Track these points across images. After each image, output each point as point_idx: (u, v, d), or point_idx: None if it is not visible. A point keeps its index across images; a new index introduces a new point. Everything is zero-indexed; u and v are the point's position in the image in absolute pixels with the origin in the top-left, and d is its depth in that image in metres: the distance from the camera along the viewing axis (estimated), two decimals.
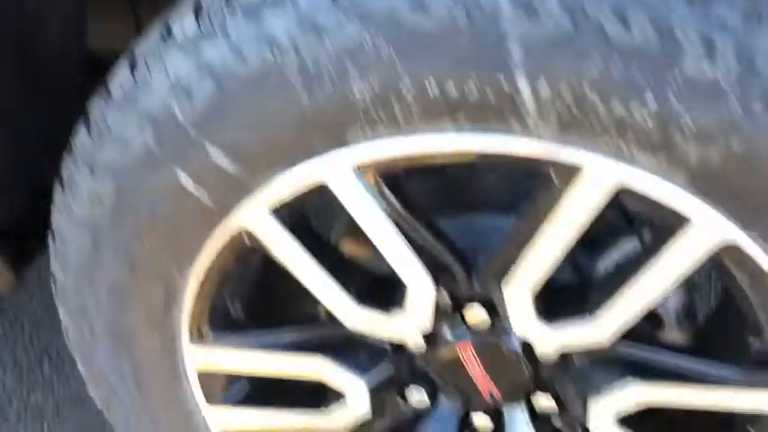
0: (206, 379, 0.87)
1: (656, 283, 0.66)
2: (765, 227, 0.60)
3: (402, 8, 0.56)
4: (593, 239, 0.78)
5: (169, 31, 0.65)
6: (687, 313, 0.83)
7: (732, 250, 0.62)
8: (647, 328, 0.84)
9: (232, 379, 0.91)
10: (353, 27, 0.57)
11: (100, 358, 0.87)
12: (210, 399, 0.89)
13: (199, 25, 0.62)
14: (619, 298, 0.68)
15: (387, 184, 0.68)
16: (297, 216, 0.74)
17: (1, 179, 0.85)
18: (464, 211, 0.83)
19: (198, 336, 0.83)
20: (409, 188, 0.78)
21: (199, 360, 0.85)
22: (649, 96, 0.55)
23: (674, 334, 0.83)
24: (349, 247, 0.84)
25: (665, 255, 0.64)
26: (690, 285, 0.84)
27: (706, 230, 0.61)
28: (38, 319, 1.49)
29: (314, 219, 0.80)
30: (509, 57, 0.55)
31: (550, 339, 0.73)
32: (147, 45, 0.67)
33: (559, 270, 0.75)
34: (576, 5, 0.54)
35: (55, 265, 0.81)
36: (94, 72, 0.77)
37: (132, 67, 0.66)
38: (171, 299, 0.79)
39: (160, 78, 0.63)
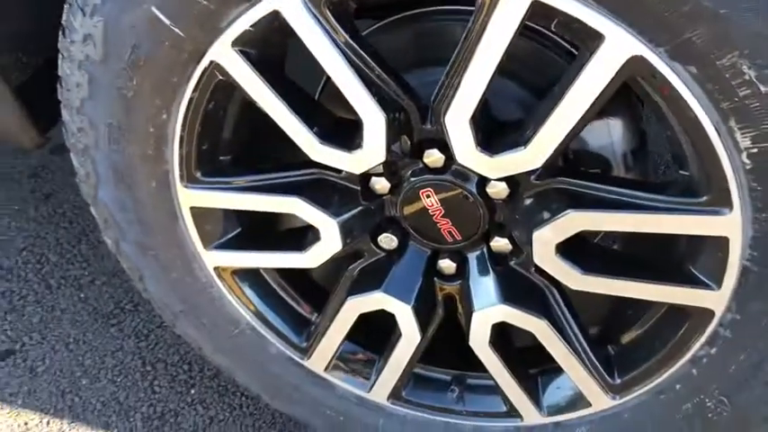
0: (199, 220, 0.97)
1: (575, 105, 0.71)
2: (670, 43, 0.65)
3: None
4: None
5: None
6: (634, 156, 0.88)
7: (641, 65, 0.66)
8: (596, 168, 0.89)
9: (225, 226, 1.01)
10: None
11: (105, 199, 0.98)
12: (205, 241, 1.00)
13: None
14: (546, 123, 0.74)
15: (337, 18, 0.75)
16: (266, 56, 0.82)
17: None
18: (424, 65, 0.90)
19: (189, 178, 0.93)
20: (378, 42, 0.85)
21: (191, 200, 0.95)
22: None
23: (622, 173, 0.89)
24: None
25: (583, 75, 0.69)
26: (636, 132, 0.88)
27: (617, 46, 0.66)
28: (78, 206, 1.64)
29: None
30: None
31: (491, 166, 0.79)
32: None
33: (503, 111, 0.82)
34: None
35: (63, 111, 0.92)
36: None
37: None
38: (161, 138, 0.89)
39: None
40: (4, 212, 1.68)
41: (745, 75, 0.64)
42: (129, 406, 1.28)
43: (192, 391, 1.29)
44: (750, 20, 0.61)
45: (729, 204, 0.72)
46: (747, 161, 0.69)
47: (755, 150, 0.68)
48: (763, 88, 0.64)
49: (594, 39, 0.67)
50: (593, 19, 0.66)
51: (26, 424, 1.26)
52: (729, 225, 0.74)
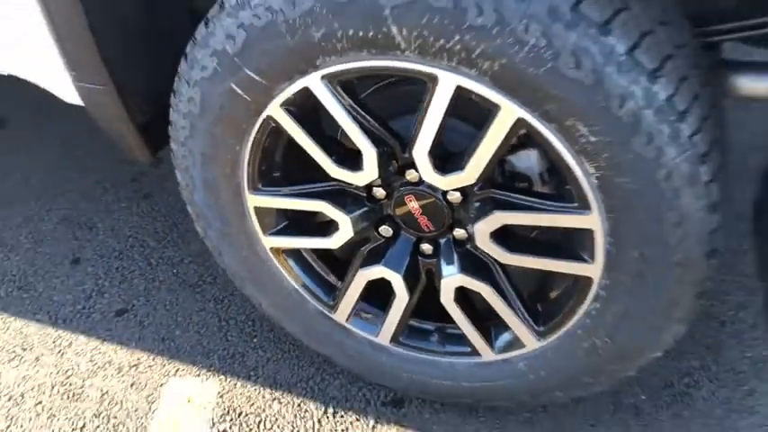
0: (260, 215, 1.44)
1: (489, 146, 1.14)
2: (538, 111, 1.07)
3: None
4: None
5: (222, 4, 1.19)
6: (546, 175, 1.30)
7: (524, 123, 1.09)
8: (519, 184, 1.32)
9: (277, 219, 1.47)
10: (309, 2, 1.09)
11: (198, 201, 1.46)
12: (264, 230, 1.46)
13: (237, 1, 1.16)
14: (474, 156, 1.16)
15: (344, 89, 1.20)
16: (303, 111, 1.27)
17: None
18: (403, 113, 1.33)
19: (253, 187, 1.39)
20: (369, 99, 1.29)
21: (255, 202, 1.41)
22: (458, 39, 1.03)
23: (538, 187, 1.31)
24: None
25: (491, 128, 1.12)
26: (547, 159, 1.30)
27: (509, 111, 1.09)
28: (170, 204, 2.15)
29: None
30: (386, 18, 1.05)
31: (444, 182, 1.22)
32: (213, 10, 1.21)
33: (452, 144, 1.24)
34: None
35: (172, 143, 1.40)
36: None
37: (206, 23, 1.21)
38: (235, 162, 1.35)
39: (219, 30, 1.18)
40: (114, 208, 2.20)
41: (580, 130, 1.05)
42: (210, 349, 1.76)
43: (255, 340, 1.77)
44: (579, 97, 1.03)
45: (590, 208, 1.14)
46: (595, 181, 1.10)
47: (598, 174, 1.09)
48: (592, 138, 1.05)
49: (495, 107, 1.10)
50: (493, 95, 1.08)
51: (138, 359, 1.76)
52: (592, 221, 1.15)
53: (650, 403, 1.58)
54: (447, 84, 1.09)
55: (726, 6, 1.21)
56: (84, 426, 1.61)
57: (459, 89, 1.09)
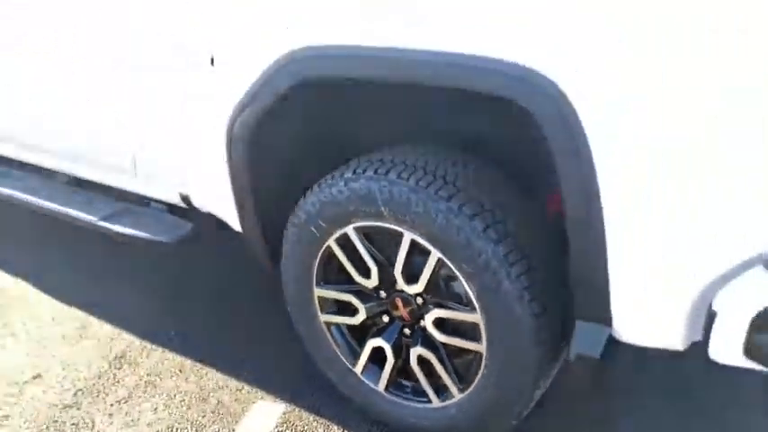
0: (322, 301, 2.56)
1: (426, 271, 2.21)
2: (450, 254, 2.13)
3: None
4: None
5: (310, 191, 2.41)
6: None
7: (443, 263, 2.15)
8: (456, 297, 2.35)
9: (328, 303, 2.58)
10: (346, 197, 2.27)
11: (288, 277, 2.61)
12: (321, 310, 2.57)
13: (318, 191, 2.37)
14: (421, 276, 2.23)
15: (363, 235, 2.34)
16: (345, 246, 2.41)
17: None
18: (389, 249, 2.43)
19: (319, 284, 2.53)
20: (373, 239, 2.42)
21: (318, 292, 2.54)
22: (409, 216, 2.15)
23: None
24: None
25: (426, 263, 2.19)
26: None
27: (434, 255, 2.16)
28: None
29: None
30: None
31: (411, 290, 2.28)
32: (306, 195, 2.43)
33: (414, 267, 2.32)
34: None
35: (284, 275, 2.59)
36: None
37: (304, 197, 2.43)
38: (309, 274, 2.50)
39: (308, 200, 2.40)
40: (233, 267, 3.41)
41: (465, 267, 2.10)
42: (273, 357, 2.84)
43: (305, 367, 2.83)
44: (463, 251, 2.09)
45: (475, 309, 2.14)
46: (474, 294, 2.12)
47: (475, 290, 2.11)
48: (470, 271, 2.09)
49: (429, 252, 2.17)
50: (428, 246, 2.16)
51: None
52: (477, 318, 2.15)
53: None
54: (407, 237, 2.20)
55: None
56: None
57: (412, 240, 2.19)
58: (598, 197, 1.77)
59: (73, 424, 2.68)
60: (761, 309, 1.68)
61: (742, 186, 1.62)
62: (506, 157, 2.28)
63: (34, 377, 2.95)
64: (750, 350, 1.75)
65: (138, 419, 2.70)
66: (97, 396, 2.83)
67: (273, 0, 2.17)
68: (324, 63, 2.10)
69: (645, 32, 1.62)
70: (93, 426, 2.68)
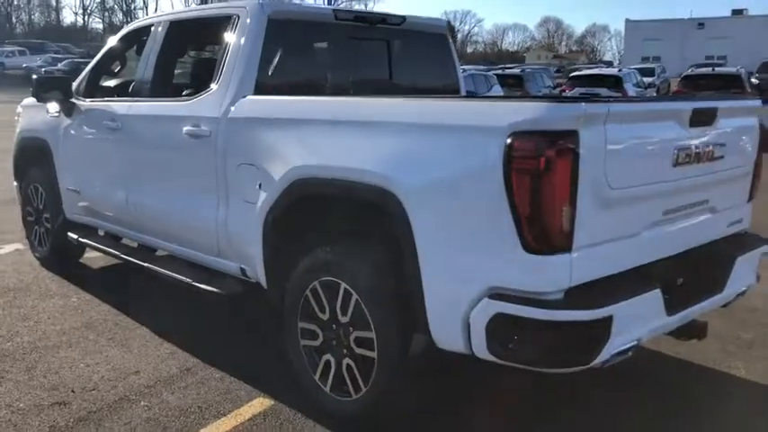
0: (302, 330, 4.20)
1: None
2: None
3: None
4: None
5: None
6: None
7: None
8: None
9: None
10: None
11: (286, 325, 4.29)
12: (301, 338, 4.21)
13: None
14: None
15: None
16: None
17: None
18: None
19: (301, 318, 4.19)
20: None
21: (300, 324, 4.20)
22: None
23: None
24: None
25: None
26: None
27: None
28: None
29: None
30: None
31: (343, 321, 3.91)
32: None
33: None
34: None
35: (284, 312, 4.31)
36: None
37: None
38: (296, 311, 4.19)
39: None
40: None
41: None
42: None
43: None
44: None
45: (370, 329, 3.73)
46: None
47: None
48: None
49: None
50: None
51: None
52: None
53: None
54: (342, 286, 3.86)
55: None
56: None
57: (345, 288, 3.86)
58: (415, 252, 3.37)
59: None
60: (487, 321, 3.18)
61: (472, 247, 3.20)
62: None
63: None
64: (490, 349, 3.22)
65: None
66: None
67: (285, 156, 4.07)
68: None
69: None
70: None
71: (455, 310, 3.29)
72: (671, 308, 3.48)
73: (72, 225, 6.50)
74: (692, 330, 3.90)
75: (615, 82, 21.49)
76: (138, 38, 5.95)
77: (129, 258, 5.63)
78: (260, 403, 4.29)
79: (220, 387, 4.50)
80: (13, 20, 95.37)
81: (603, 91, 21.18)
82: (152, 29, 5.63)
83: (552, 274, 3.07)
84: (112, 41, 6.26)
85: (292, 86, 4.66)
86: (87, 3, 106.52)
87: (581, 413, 4.19)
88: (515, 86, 21.93)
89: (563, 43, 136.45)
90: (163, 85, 5.37)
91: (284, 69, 4.77)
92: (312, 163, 3.91)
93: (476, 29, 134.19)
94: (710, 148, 3.68)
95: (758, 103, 4.32)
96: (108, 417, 4.10)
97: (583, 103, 2.99)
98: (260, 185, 4.25)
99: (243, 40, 4.60)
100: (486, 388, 4.46)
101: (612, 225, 3.23)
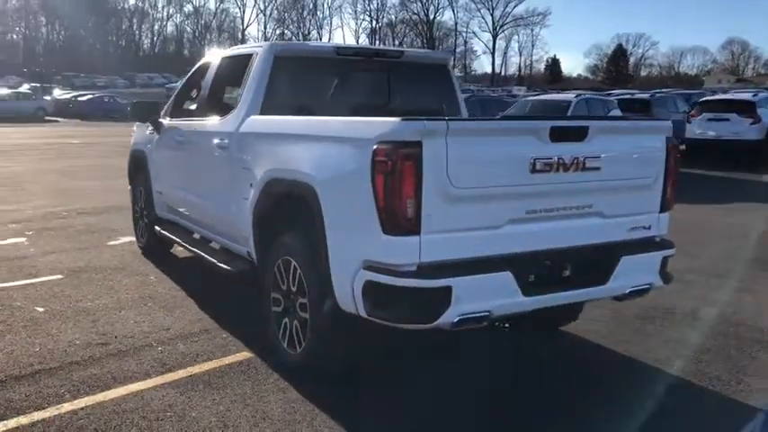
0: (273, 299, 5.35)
1: None
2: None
3: None
4: None
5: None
6: None
7: None
8: None
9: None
10: None
11: (264, 294, 5.46)
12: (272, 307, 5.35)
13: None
14: None
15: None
16: None
17: None
18: None
19: (272, 289, 5.34)
20: None
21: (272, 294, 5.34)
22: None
23: None
24: None
25: None
26: None
27: None
28: None
29: None
30: None
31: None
32: None
33: None
34: None
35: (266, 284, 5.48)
36: None
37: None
38: (269, 282, 5.34)
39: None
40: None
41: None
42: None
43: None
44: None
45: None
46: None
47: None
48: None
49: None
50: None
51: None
52: None
53: None
54: (294, 263, 4.98)
55: None
56: None
57: (294, 264, 4.96)
58: (324, 233, 4.42)
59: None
60: (362, 287, 4.15)
61: (355, 229, 4.19)
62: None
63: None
64: (365, 310, 4.19)
65: None
66: None
67: (264, 162, 5.27)
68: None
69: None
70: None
71: (347, 278, 4.29)
72: (528, 291, 4.22)
73: (160, 220, 8.11)
74: (571, 313, 4.61)
75: (747, 107, 20.63)
76: (205, 70, 7.45)
77: (184, 245, 7.08)
78: (243, 356, 5.47)
79: (221, 343, 5.74)
80: (206, 51, 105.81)
81: (733, 116, 20.46)
82: (211, 62, 7.10)
83: (404, 251, 3.99)
84: (191, 72, 7.83)
85: (293, 109, 5.84)
86: (269, 35, 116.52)
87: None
88: (641, 111, 21.68)
89: (749, 66, 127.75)
90: (209, 108, 6.79)
91: (288, 95, 5.98)
92: (277, 167, 5.08)
93: (650, 52, 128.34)
94: (581, 159, 4.37)
95: (667, 124, 4.89)
96: (130, 354, 5.49)
97: (425, 121, 3.90)
98: (251, 185, 5.47)
99: (255, 73, 5.88)
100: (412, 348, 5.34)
101: (463, 217, 4.07)
